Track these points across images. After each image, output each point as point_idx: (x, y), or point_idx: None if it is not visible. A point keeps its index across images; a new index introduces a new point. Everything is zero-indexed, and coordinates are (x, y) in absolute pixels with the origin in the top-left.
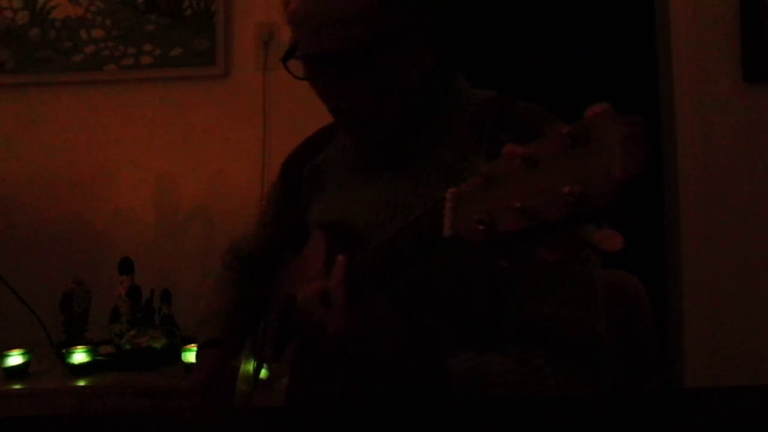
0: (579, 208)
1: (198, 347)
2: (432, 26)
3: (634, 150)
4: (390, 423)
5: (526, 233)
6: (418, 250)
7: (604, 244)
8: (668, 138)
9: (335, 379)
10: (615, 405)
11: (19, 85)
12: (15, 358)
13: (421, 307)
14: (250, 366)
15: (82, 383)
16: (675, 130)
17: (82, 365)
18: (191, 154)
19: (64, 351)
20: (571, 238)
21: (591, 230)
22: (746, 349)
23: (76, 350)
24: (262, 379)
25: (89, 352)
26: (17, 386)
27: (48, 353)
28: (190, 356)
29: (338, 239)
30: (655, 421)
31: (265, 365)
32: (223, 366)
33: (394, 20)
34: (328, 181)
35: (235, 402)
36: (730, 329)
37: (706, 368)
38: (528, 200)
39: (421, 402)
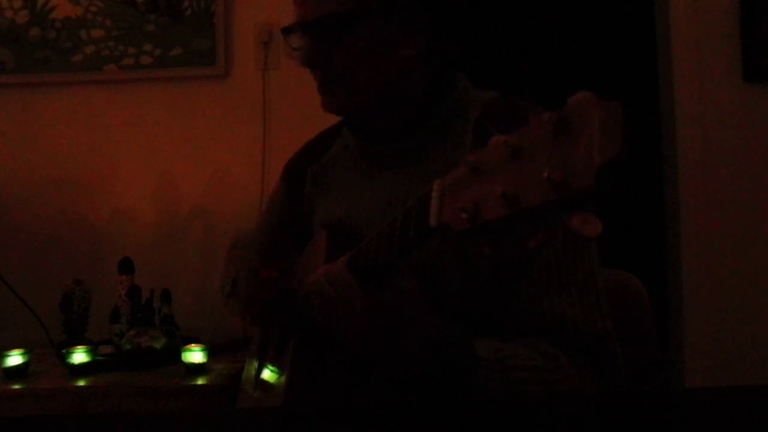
0: (559, 193)
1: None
2: (417, 11)
3: (611, 133)
4: (390, 423)
5: (509, 220)
6: (408, 242)
7: (583, 230)
8: (668, 138)
9: (335, 378)
10: (615, 405)
11: (19, 85)
12: (15, 358)
13: None
14: (252, 367)
15: (82, 383)
16: (675, 130)
17: (82, 365)
18: (191, 154)
19: (64, 351)
20: (554, 224)
21: (571, 216)
22: (746, 349)
23: (76, 350)
24: (264, 380)
25: (89, 352)
26: (17, 386)
27: (48, 353)
28: (190, 356)
29: (339, 236)
30: (655, 421)
31: (269, 367)
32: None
33: None
34: (332, 182)
35: (238, 403)
36: (730, 329)
37: (706, 368)
38: (510, 187)
39: (421, 402)
